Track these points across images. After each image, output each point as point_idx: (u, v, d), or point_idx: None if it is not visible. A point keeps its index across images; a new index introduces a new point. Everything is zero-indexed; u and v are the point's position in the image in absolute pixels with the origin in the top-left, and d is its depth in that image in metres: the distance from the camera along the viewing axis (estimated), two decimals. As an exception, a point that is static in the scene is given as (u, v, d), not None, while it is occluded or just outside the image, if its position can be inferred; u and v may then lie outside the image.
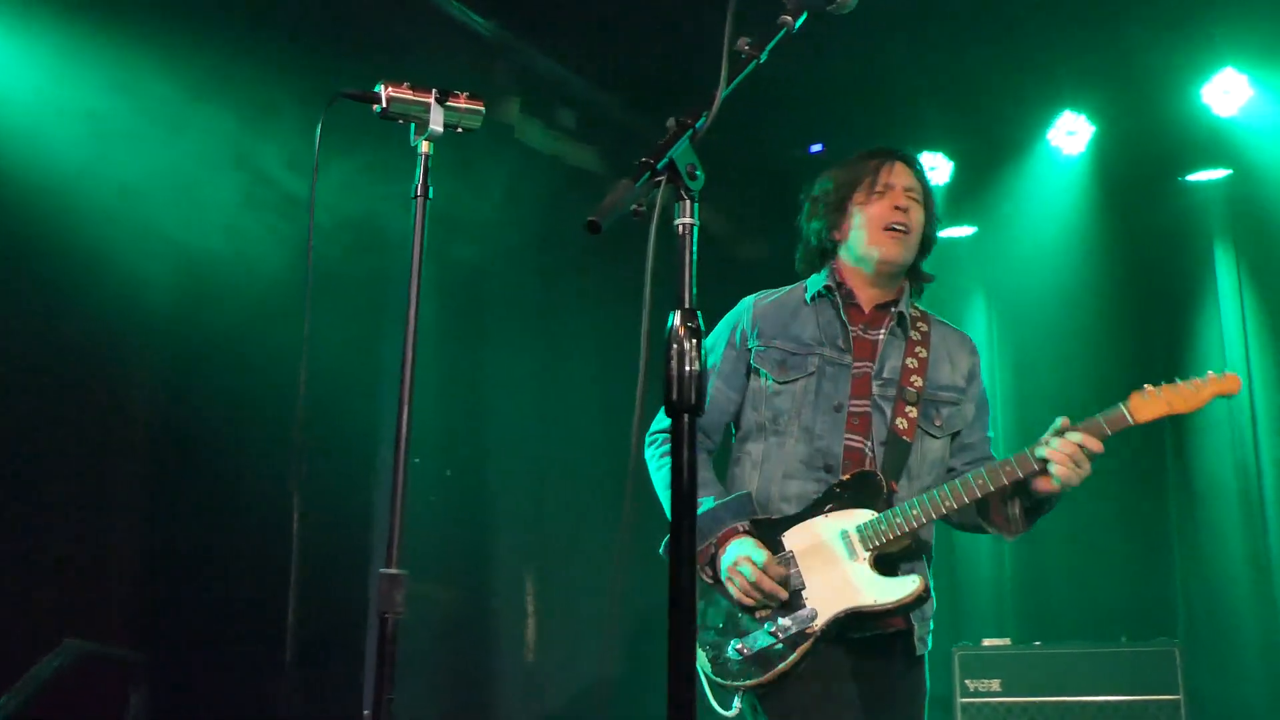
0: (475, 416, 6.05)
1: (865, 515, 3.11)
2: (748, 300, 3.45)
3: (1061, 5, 5.75)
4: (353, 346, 5.05)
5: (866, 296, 3.34)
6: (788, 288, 3.45)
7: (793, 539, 3.13)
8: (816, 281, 3.37)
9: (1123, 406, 3.06)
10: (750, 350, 3.33)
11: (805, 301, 3.36)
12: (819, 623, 3.04)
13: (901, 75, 6.17)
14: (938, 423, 3.27)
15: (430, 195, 2.67)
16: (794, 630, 3.04)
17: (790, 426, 3.23)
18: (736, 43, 2.15)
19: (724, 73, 2.07)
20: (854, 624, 3.06)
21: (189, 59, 4.79)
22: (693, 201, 1.99)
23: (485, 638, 6.06)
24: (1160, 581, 6.21)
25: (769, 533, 3.15)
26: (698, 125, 2.04)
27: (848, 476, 3.16)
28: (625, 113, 6.56)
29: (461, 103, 2.72)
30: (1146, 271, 6.81)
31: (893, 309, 3.33)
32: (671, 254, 1.98)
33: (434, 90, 2.69)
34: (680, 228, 1.98)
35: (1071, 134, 6.41)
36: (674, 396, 1.90)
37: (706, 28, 2.16)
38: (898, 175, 3.33)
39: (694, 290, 1.96)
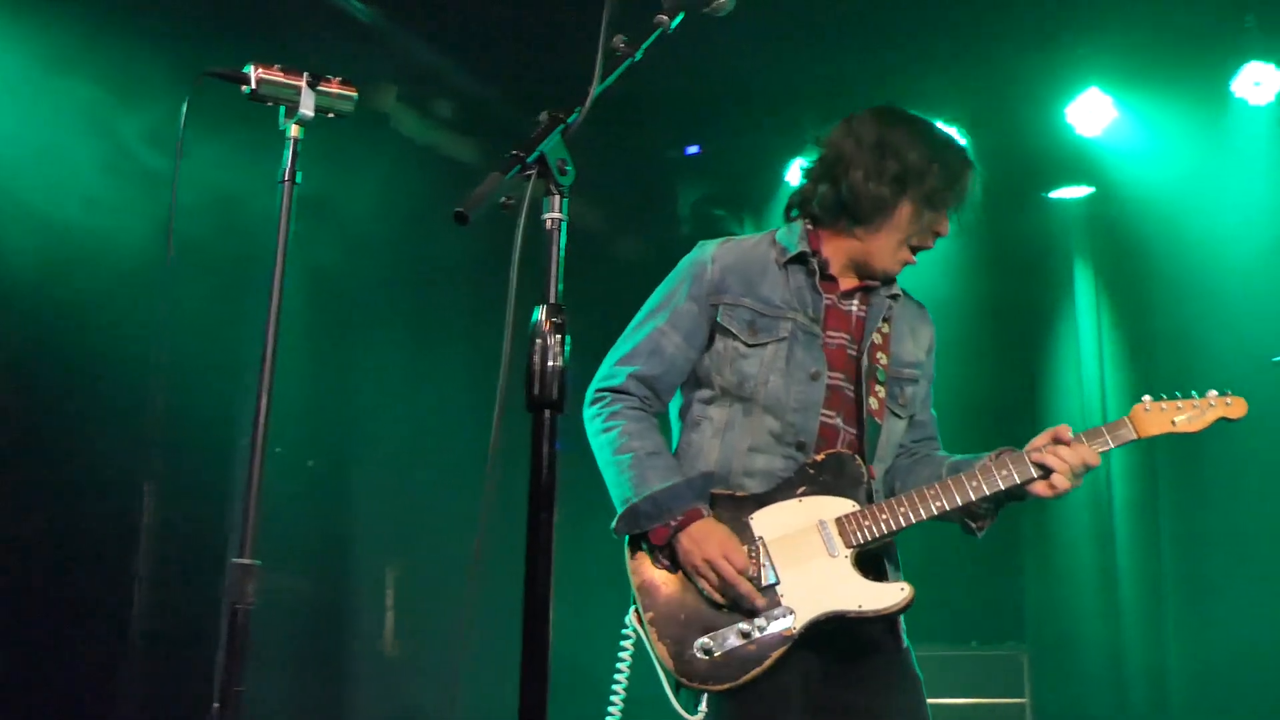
0: (341, 407, 5.98)
1: (846, 506, 2.83)
2: (708, 246, 3.04)
3: (933, 17, 5.85)
4: (213, 330, 4.94)
5: (844, 275, 3.02)
6: (752, 238, 3.07)
7: (762, 524, 2.82)
8: (791, 242, 3.00)
9: (1125, 421, 2.90)
10: (716, 306, 2.95)
11: (776, 262, 2.98)
12: (797, 625, 2.73)
13: (778, 78, 6.23)
14: (902, 402, 3.02)
15: (298, 180, 2.62)
16: (769, 631, 2.73)
17: (758, 394, 2.88)
18: (612, 40, 2.16)
19: (598, 70, 2.08)
20: (834, 625, 2.76)
21: (51, 28, 4.66)
22: (562, 196, 1.99)
23: (342, 630, 5.99)
24: (1011, 589, 6.37)
25: (734, 512, 2.83)
26: (570, 120, 2.04)
27: (821, 457, 2.87)
28: (503, 105, 6.53)
29: (334, 88, 2.68)
30: (1008, 284, 6.98)
31: (877, 290, 3.03)
32: (541, 249, 1.98)
33: (305, 74, 2.64)
34: (549, 222, 1.98)
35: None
36: (535, 391, 1.90)
37: (587, 24, 2.16)
38: (965, 188, 2.97)
39: (560, 285, 1.96)
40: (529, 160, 1.96)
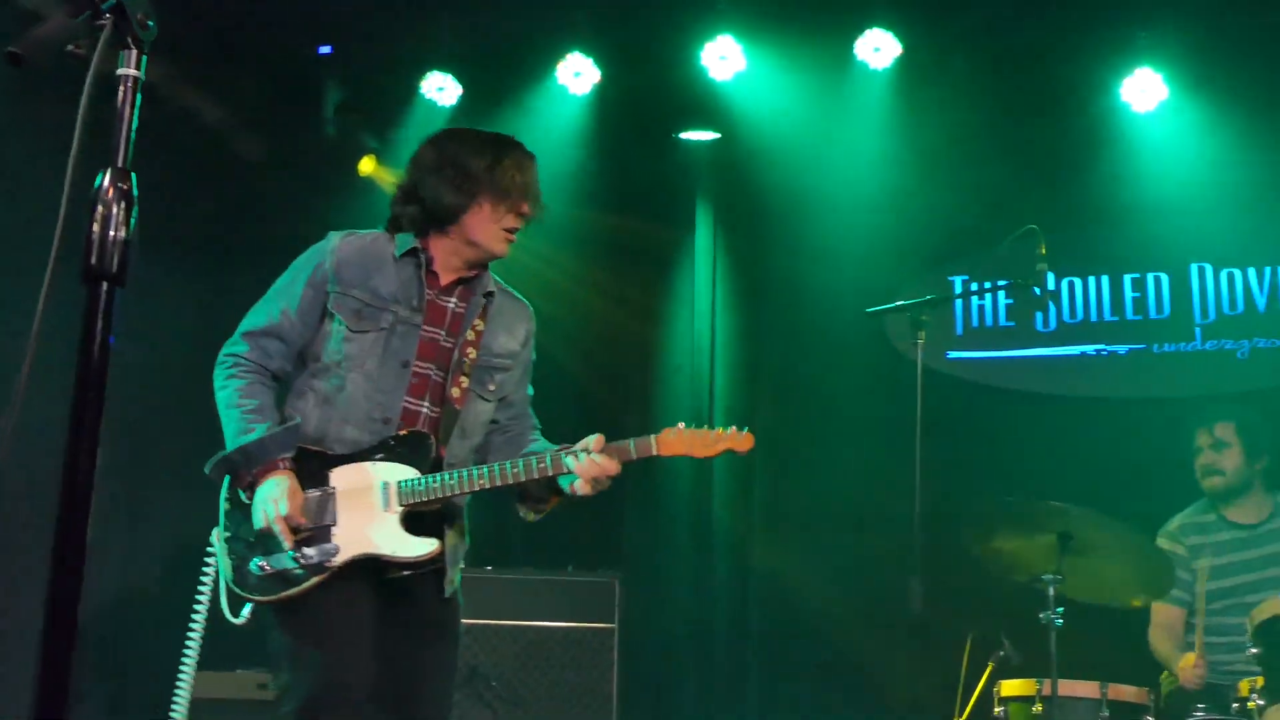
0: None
1: (408, 473, 3.29)
2: (333, 238, 3.50)
3: None
4: None
5: (449, 268, 3.48)
6: (373, 233, 3.53)
7: (339, 476, 3.30)
8: (405, 241, 3.46)
9: (653, 440, 3.28)
10: (329, 294, 3.40)
11: (393, 257, 3.45)
12: (338, 559, 3.22)
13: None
14: (491, 387, 3.50)
15: None
16: (315, 560, 3.21)
17: (354, 374, 3.36)
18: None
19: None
20: (377, 566, 3.27)
21: None
22: (140, 53, 1.81)
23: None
24: (611, 518, 6.49)
25: (318, 466, 3.31)
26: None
27: (404, 433, 3.34)
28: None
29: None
30: (633, 221, 7.09)
31: (474, 285, 3.51)
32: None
33: None
34: (123, 79, 1.80)
35: (578, 75, 6.48)
36: (93, 261, 1.72)
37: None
38: (529, 176, 3.46)
39: (130, 150, 1.78)
40: (104, 7, 1.77)
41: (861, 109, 6.54)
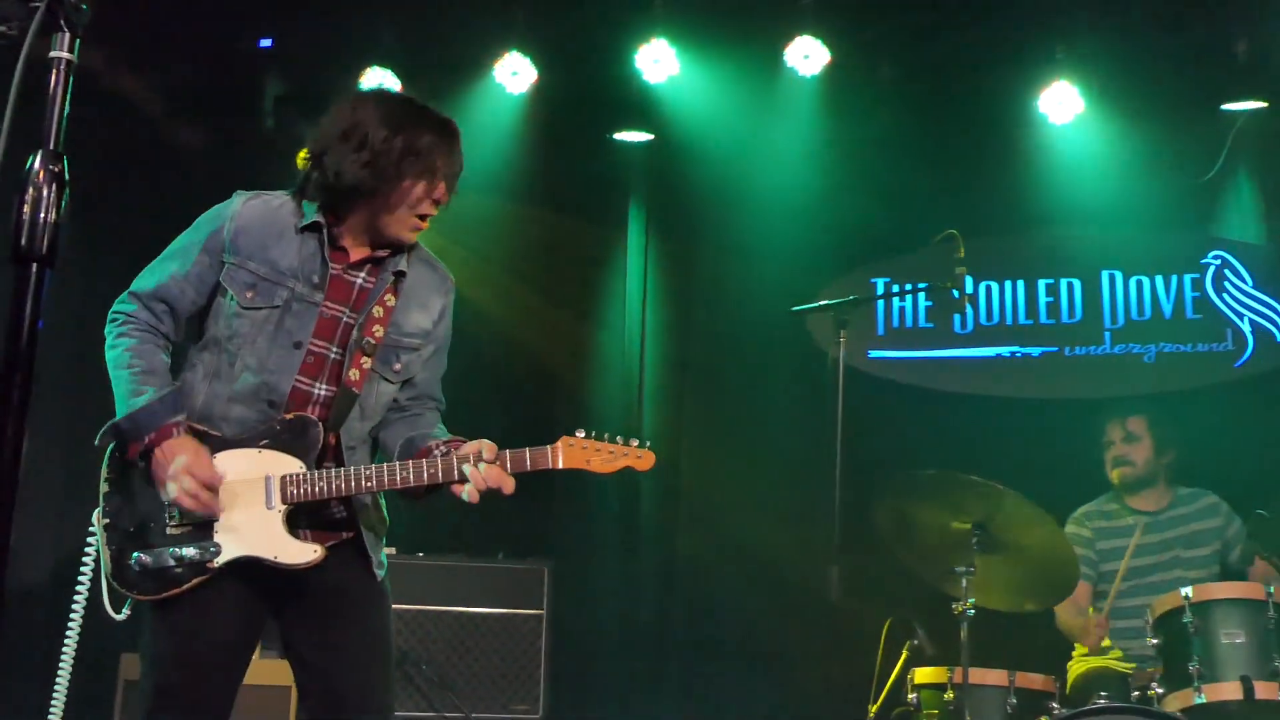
0: None
1: (294, 466, 3.01)
2: (235, 201, 3.17)
3: None
4: None
5: (358, 244, 3.16)
6: (281, 195, 3.19)
7: (222, 464, 2.99)
8: (309, 211, 3.13)
9: (549, 450, 3.05)
10: (223, 264, 3.08)
11: (295, 229, 3.11)
12: (219, 560, 2.96)
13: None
14: (396, 368, 3.18)
15: None
16: (196, 559, 2.95)
17: (244, 351, 3.05)
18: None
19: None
20: (257, 567, 3.00)
21: None
22: (73, 36, 1.76)
23: None
24: (542, 506, 6.47)
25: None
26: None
27: (290, 417, 3.04)
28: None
29: None
30: (567, 219, 7.06)
31: (386, 262, 3.17)
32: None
33: None
34: (55, 62, 1.75)
35: (515, 74, 6.43)
36: (22, 242, 1.68)
37: None
38: (451, 164, 3.12)
39: (63, 133, 1.74)
40: (35, -13, 1.72)
41: (790, 114, 6.54)
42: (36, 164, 1.71)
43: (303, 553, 3.00)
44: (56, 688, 3.24)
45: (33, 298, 1.68)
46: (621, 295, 7.05)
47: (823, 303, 5.17)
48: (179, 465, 2.90)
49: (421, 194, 3.08)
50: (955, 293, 4.77)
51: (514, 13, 6.31)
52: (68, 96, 1.74)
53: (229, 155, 6.82)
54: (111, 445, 3.05)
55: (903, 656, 4.87)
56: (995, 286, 6.82)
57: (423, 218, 3.13)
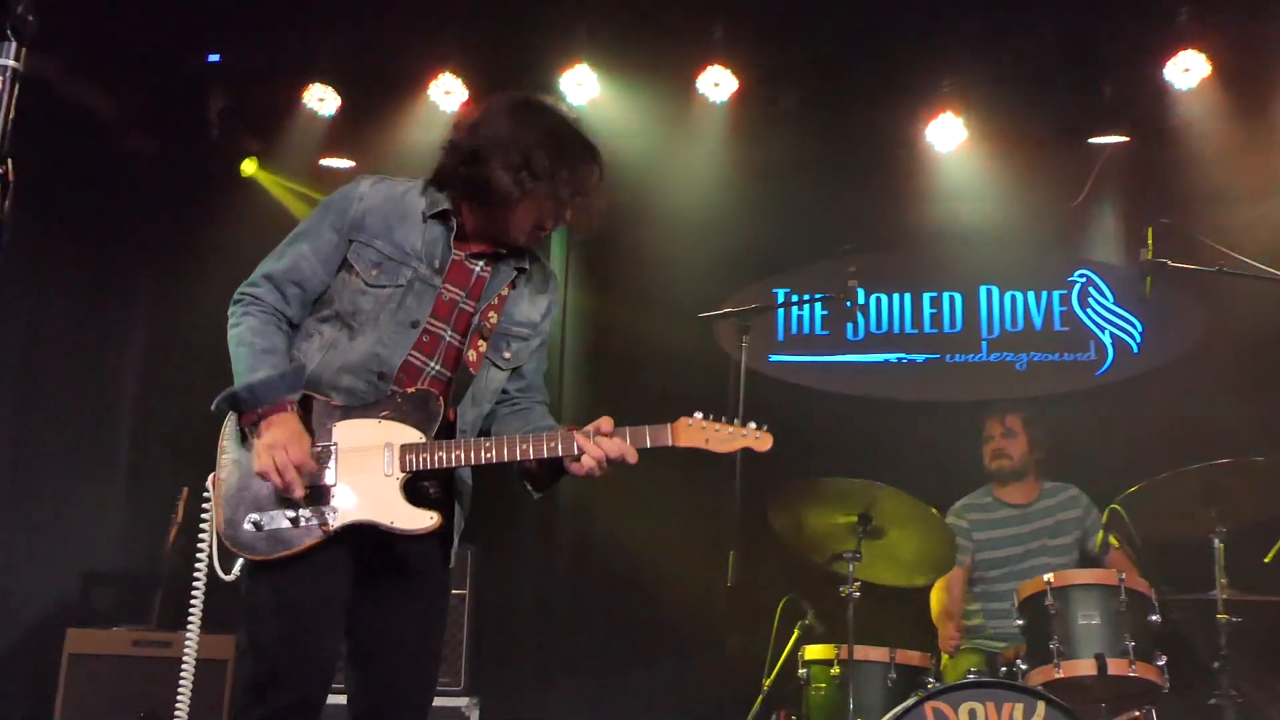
0: None
1: (414, 436, 2.89)
2: (362, 183, 3.10)
3: None
4: None
5: (481, 236, 3.08)
6: (405, 183, 3.11)
7: (341, 432, 2.89)
8: (438, 201, 3.06)
9: (668, 429, 2.94)
10: (350, 242, 3.01)
11: (421, 214, 3.04)
12: (335, 523, 2.82)
13: (301, 6, 5.86)
14: (506, 355, 3.11)
15: None
16: (311, 521, 2.82)
17: (365, 327, 2.95)
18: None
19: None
20: (372, 535, 2.85)
21: None
22: (20, 45, 1.71)
23: None
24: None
25: (322, 415, 2.91)
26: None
27: (412, 390, 2.94)
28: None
29: None
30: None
31: (505, 258, 3.09)
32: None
33: None
34: (2, 69, 1.71)
35: (449, 93, 6.38)
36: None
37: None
38: (585, 187, 3.04)
39: (7, 138, 1.69)
40: (-15, -1, 1.67)
41: (701, 137, 6.55)
42: (-19, 165, 1.66)
43: (418, 519, 2.86)
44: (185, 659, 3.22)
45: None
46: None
47: (727, 310, 5.18)
48: (277, 439, 2.80)
49: (553, 211, 3.02)
50: (848, 303, 4.81)
51: (447, 36, 6.26)
52: (13, 103, 1.70)
53: (176, 162, 6.71)
54: (230, 412, 2.92)
55: (795, 635, 4.91)
56: (884, 298, 6.90)
57: (542, 230, 3.07)
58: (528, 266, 3.16)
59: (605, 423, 2.92)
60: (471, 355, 3.03)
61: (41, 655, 5.33)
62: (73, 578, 6.12)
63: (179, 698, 3.37)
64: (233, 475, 2.88)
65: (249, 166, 6.85)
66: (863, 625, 4.44)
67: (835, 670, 4.52)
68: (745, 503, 4.65)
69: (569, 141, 3.07)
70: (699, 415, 2.95)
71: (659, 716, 5.98)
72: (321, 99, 6.51)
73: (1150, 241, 4.38)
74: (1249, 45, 6.00)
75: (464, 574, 5.69)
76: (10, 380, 5.87)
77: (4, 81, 1.68)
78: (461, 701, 5.45)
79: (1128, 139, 6.51)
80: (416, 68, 6.28)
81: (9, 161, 1.68)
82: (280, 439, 2.80)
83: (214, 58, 6.48)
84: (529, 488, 3.08)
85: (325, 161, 6.80)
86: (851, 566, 4.49)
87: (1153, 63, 6.06)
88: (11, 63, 1.69)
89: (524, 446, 2.89)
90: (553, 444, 2.90)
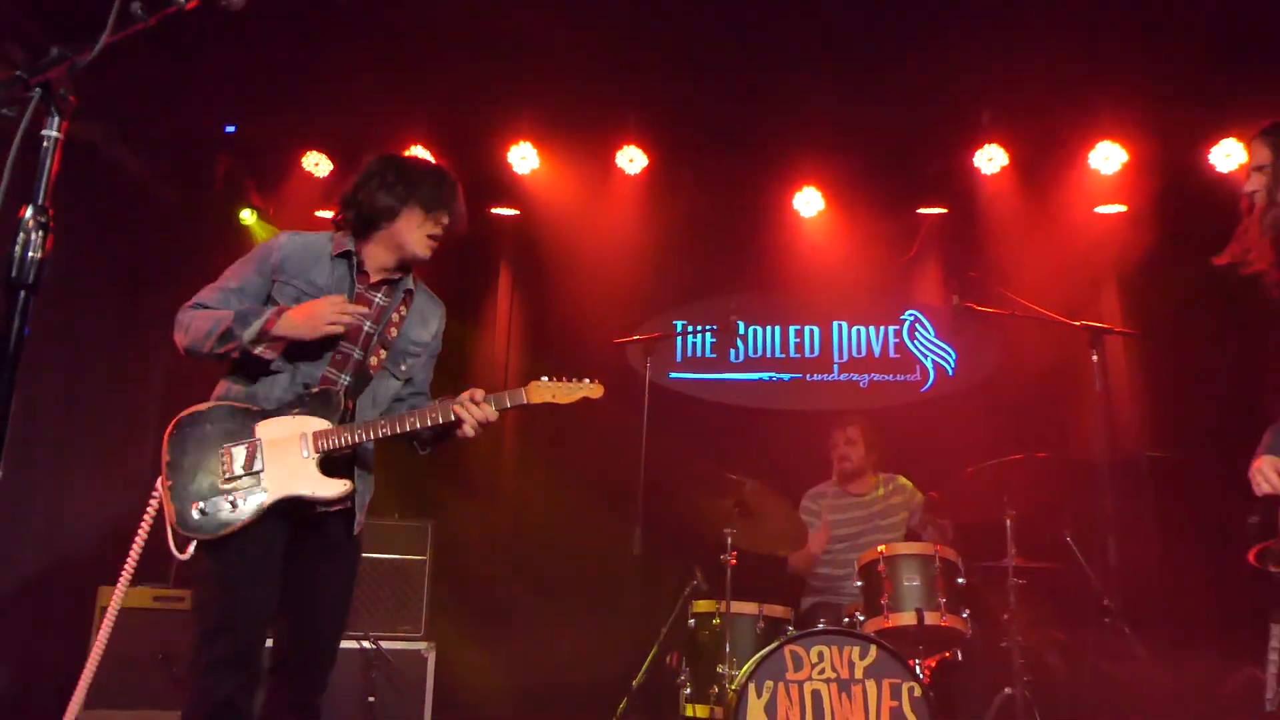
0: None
1: (323, 424, 2.92)
2: (281, 237, 3.09)
3: (407, 43, 5.53)
4: None
5: (376, 267, 3.10)
6: (317, 235, 3.11)
7: (264, 429, 2.91)
8: (343, 243, 3.07)
9: (522, 391, 3.01)
10: (274, 282, 3.01)
11: (330, 256, 3.06)
12: (269, 500, 2.85)
13: (287, 74, 5.70)
14: (402, 368, 3.14)
15: None
16: (247, 502, 2.83)
17: (290, 349, 2.96)
18: (132, 2, 1.86)
19: (110, 24, 1.77)
20: (299, 506, 2.90)
21: None
22: (62, 120, 1.69)
23: None
24: (427, 479, 6.33)
25: (245, 420, 2.92)
26: (77, 60, 1.73)
27: (316, 391, 2.97)
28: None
29: None
30: (451, 266, 6.91)
31: (398, 284, 3.13)
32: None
33: None
34: (45, 139, 1.68)
35: (421, 150, 6.32)
36: (13, 274, 1.60)
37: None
38: (453, 194, 3.12)
39: (49, 191, 1.66)
40: (32, 83, 1.65)
41: (619, 199, 6.58)
42: (28, 214, 1.64)
43: (335, 486, 2.90)
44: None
45: (20, 316, 1.60)
46: (491, 331, 7.00)
47: (637, 337, 5.22)
48: (302, 314, 2.86)
49: (434, 217, 3.06)
50: (732, 332, 4.82)
51: (419, 115, 6.22)
52: (55, 165, 1.66)
53: (190, 210, 6.58)
54: (169, 430, 2.91)
55: (686, 592, 4.92)
56: (760, 329, 6.96)
57: (433, 237, 3.08)
58: (413, 288, 3.18)
59: (476, 393, 2.99)
60: (373, 361, 3.06)
61: (78, 608, 5.18)
62: (105, 544, 5.93)
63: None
64: (176, 477, 2.88)
65: (249, 218, 6.73)
66: (737, 585, 4.47)
67: (716, 621, 4.54)
68: (648, 489, 4.67)
69: (421, 164, 3.20)
70: (545, 378, 3.02)
71: (577, 659, 5.95)
72: (317, 163, 6.45)
73: (960, 290, 4.50)
74: (1039, 142, 6.19)
75: (425, 544, 5.64)
76: (55, 382, 5.70)
77: (46, 149, 1.65)
78: (421, 645, 5.39)
79: (946, 210, 6.67)
80: (394, 140, 6.21)
81: (50, 211, 1.64)
82: (304, 311, 2.88)
83: (230, 129, 6.36)
84: (414, 445, 3.12)
85: (320, 213, 6.70)
86: (729, 540, 4.53)
87: (965, 152, 6.23)
88: (54, 134, 1.67)
89: (411, 420, 2.96)
90: (434, 414, 2.96)
